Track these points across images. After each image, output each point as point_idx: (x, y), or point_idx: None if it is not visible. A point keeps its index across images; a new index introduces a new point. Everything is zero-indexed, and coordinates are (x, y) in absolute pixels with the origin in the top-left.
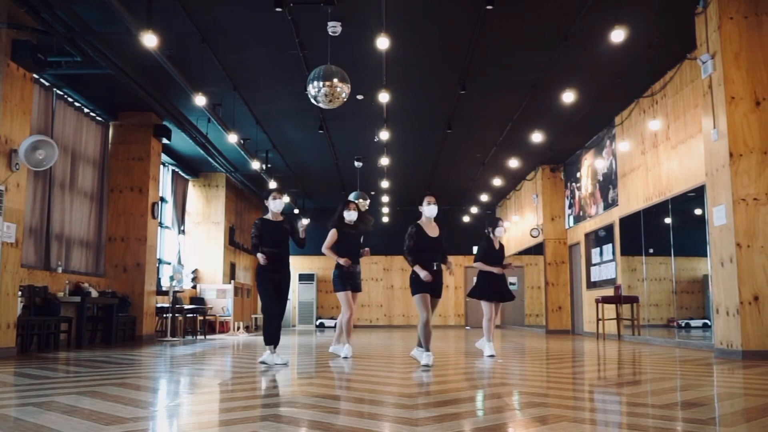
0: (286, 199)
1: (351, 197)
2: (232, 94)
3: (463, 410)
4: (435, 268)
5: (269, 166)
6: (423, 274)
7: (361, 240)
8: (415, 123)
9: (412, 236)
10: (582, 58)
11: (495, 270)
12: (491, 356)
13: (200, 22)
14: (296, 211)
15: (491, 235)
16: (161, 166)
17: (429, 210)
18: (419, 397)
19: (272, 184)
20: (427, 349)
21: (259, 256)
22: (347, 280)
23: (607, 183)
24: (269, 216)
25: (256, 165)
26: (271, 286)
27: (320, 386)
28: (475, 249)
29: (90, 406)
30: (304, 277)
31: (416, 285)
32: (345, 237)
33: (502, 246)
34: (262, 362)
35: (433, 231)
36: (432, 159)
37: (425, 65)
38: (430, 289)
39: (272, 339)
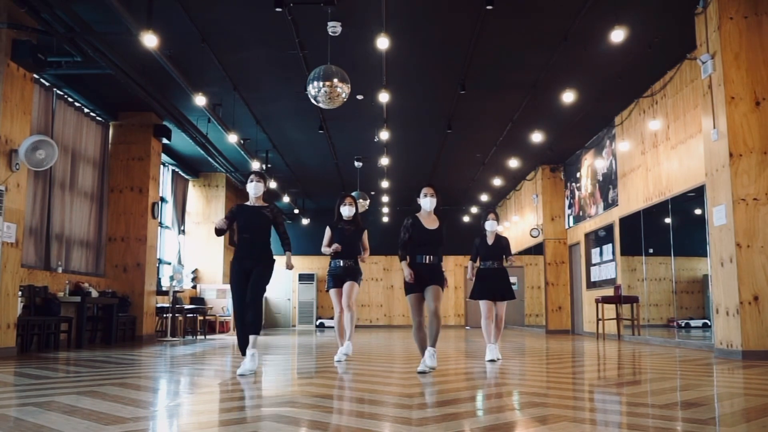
0: (268, 186)
1: None
2: (232, 94)
3: (463, 410)
4: (428, 261)
5: (269, 166)
6: (406, 272)
7: (364, 236)
8: (415, 123)
9: (407, 228)
10: (582, 58)
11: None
12: (491, 360)
13: (200, 22)
14: (296, 211)
15: (483, 230)
16: (161, 166)
17: (426, 202)
18: (419, 397)
19: (255, 165)
20: (423, 349)
21: (217, 223)
22: (333, 276)
23: (607, 183)
24: (249, 201)
25: (256, 165)
26: (242, 275)
27: (320, 386)
28: None
29: (90, 406)
30: (304, 277)
31: (407, 284)
32: (339, 233)
33: (500, 240)
34: (240, 375)
35: (431, 223)
36: (432, 159)
37: (425, 65)
38: (420, 286)
39: (241, 343)
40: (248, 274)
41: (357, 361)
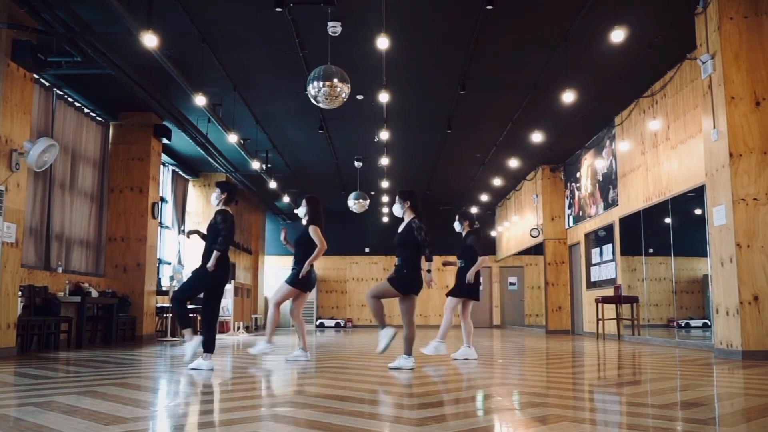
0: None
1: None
2: (232, 94)
3: (463, 410)
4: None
5: (269, 166)
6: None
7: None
8: (415, 123)
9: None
10: (582, 58)
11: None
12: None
13: (200, 22)
14: (296, 211)
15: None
16: (161, 166)
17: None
18: (419, 397)
19: (255, 165)
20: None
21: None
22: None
23: (607, 183)
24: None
25: (256, 165)
26: None
27: (320, 386)
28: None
29: (90, 406)
30: None
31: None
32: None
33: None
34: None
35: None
36: (432, 159)
37: (425, 65)
38: None
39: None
40: None
41: (357, 361)
